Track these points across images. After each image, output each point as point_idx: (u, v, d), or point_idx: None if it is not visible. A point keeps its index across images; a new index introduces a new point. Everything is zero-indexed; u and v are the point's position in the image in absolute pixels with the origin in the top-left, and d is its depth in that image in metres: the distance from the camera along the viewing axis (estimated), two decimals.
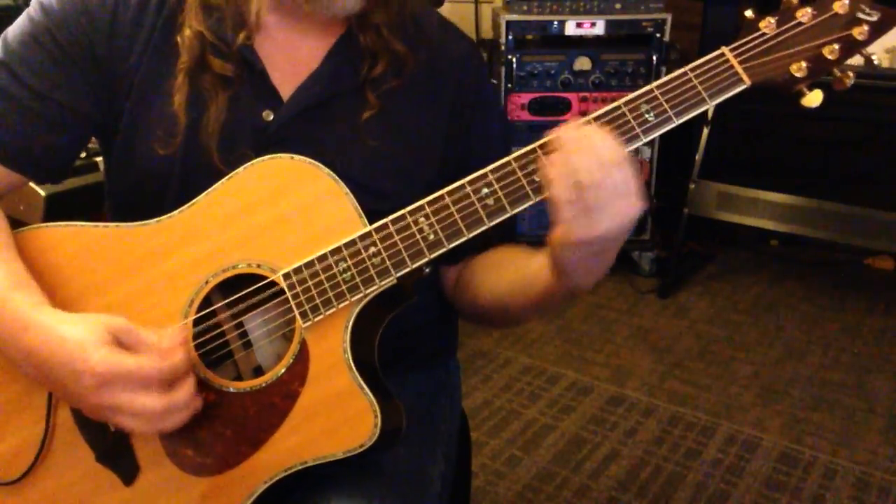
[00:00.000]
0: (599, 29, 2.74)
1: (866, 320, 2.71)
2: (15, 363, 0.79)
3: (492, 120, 1.04)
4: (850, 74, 0.78)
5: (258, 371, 0.86)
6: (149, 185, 0.91)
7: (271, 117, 0.90)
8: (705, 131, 2.75)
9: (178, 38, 0.89)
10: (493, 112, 1.05)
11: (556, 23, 2.74)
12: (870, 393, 2.29)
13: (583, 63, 2.78)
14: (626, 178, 0.71)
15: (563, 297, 0.83)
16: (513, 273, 0.91)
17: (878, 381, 2.35)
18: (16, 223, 0.90)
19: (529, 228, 2.64)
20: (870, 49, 0.78)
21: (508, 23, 2.74)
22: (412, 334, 1.02)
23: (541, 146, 0.77)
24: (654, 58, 2.75)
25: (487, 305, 0.96)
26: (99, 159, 1.54)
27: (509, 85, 2.78)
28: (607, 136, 0.73)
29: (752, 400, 2.26)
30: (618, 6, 2.75)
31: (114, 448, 0.82)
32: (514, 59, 2.77)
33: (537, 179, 0.77)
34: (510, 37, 2.76)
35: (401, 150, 0.94)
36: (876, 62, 0.78)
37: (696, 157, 2.81)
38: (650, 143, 2.85)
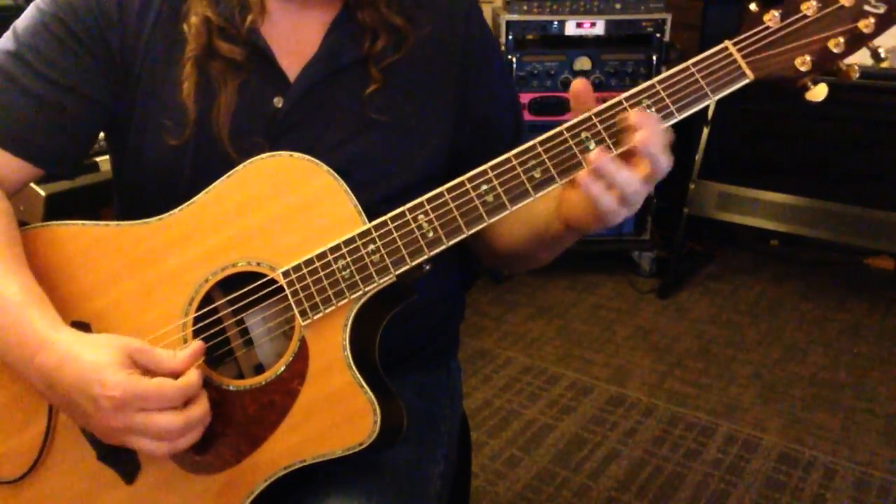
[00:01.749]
0: (599, 29, 2.74)
1: (866, 320, 2.71)
2: (27, 381, 0.78)
3: (498, 76, 1.04)
4: (856, 67, 0.76)
5: (259, 369, 0.86)
6: (160, 176, 0.91)
7: (281, 104, 0.90)
8: (705, 131, 2.76)
9: (185, 26, 0.89)
10: (498, 67, 1.05)
11: (556, 23, 2.74)
12: (870, 393, 2.29)
13: (583, 63, 2.78)
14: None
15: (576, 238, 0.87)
16: (522, 222, 0.92)
17: (878, 381, 2.35)
18: None
19: None
20: (876, 42, 0.77)
21: (508, 23, 2.75)
22: (414, 335, 1.02)
23: (541, 142, 0.77)
24: (654, 58, 2.75)
25: (504, 251, 0.99)
26: (99, 159, 1.54)
27: None
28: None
29: (752, 400, 2.26)
30: (618, 6, 2.75)
31: (115, 447, 0.82)
32: (514, 59, 2.77)
33: (537, 176, 0.77)
34: (510, 37, 2.76)
35: (409, 122, 0.94)
36: (882, 54, 0.77)
37: (696, 157, 2.81)
38: None
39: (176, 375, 0.75)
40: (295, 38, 0.93)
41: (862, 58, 0.79)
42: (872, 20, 0.75)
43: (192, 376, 0.75)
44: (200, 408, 0.76)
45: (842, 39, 0.75)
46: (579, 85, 0.77)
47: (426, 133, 0.95)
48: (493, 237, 0.98)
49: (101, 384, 0.71)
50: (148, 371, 0.75)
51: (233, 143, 0.88)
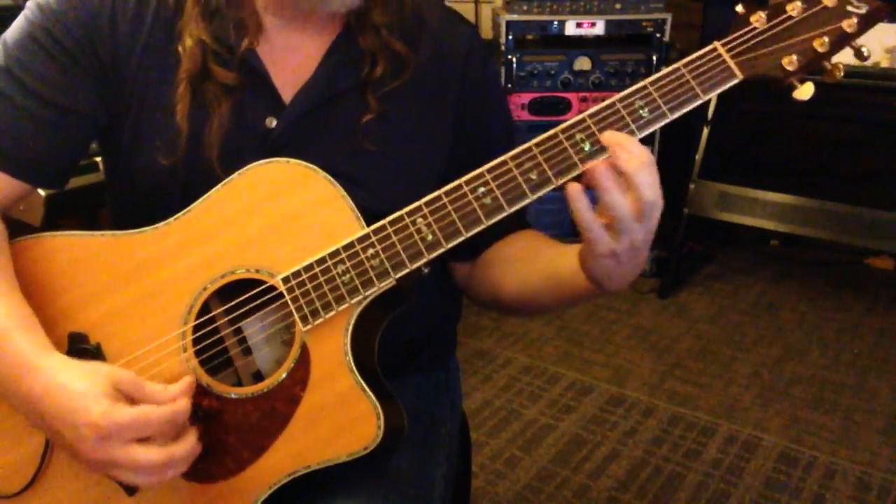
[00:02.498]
0: (599, 29, 2.74)
1: (866, 320, 2.71)
2: (14, 408, 0.77)
3: (495, 113, 1.03)
4: (841, 67, 0.78)
5: (258, 376, 0.86)
6: (151, 194, 0.90)
7: (274, 124, 0.89)
8: (705, 131, 2.76)
9: (179, 47, 0.87)
10: (496, 106, 1.04)
11: (556, 23, 2.74)
12: (870, 393, 2.29)
13: (583, 63, 2.78)
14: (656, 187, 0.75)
15: (595, 295, 0.85)
16: (539, 272, 0.91)
17: (878, 381, 2.35)
18: (16, 223, 0.89)
19: None
20: (860, 41, 0.79)
21: (508, 23, 2.74)
22: (413, 336, 1.02)
23: (536, 144, 0.77)
24: (654, 58, 2.75)
25: (511, 300, 0.96)
26: (99, 159, 1.54)
27: (509, 85, 2.78)
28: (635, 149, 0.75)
29: (752, 400, 2.26)
30: (618, 6, 2.75)
31: None
32: (514, 59, 2.77)
33: (534, 178, 0.77)
34: (510, 37, 2.76)
35: (402, 153, 0.93)
36: (866, 53, 0.79)
37: (696, 157, 2.81)
38: (650, 144, 2.85)
39: None
40: (292, 59, 0.91)
41: (856, 59, 0.80)
42: (855, 20, 0.77)
43: (180, 404, 0.74)
44: (185, 445, 0.75)
45: (826, 39, 0.77)
46: None
47: (420, 163, 0.95)
48: (503, 281, 0.96)
49: (83, 413, 0.69)
50: (135, 403, 0.73)
51: (222, 164, 0.86)
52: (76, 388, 0.71)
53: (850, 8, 0.77)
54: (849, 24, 0.77)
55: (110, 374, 0.73)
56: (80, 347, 0.82)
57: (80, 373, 0.73)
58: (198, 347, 0.83)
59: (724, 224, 2.98)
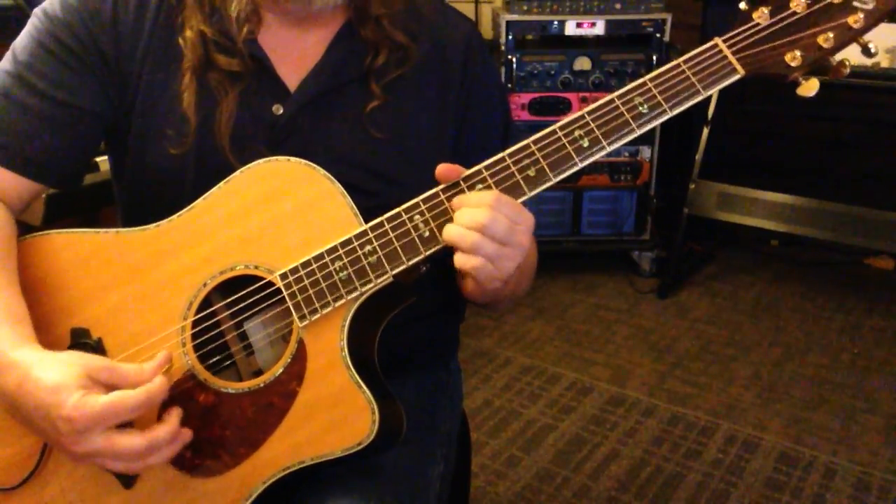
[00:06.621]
0: (599, 29, 2.74)
1: (866, 320, 2.71)
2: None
3: (492, 107, 1.04)
4: (847, 62, 0.77)
5: (258, 374, 0.85)
6: (163, 185, 0.91)
7: (281, 111, 0.91)
8: (705, 131, 2.75)
9: (180, 40, 0.89)
10: (494, 98, 1.05)
11: (556, 23, 2.74)
12: (870, 393, 2.29)
13: (583, 63, 2.78)
14: (514, 220, 0.77)
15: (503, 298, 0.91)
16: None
17: (878, 381, 2.35)
18: (16, 223, 0.90)
19: None
20: (867, 37, 0.77)
21: (508, 23, 2.75)
22: (415, 337, 1.02)
23: (534, 141, 0.78)
24: (655, 58, 2.75)
25: (469, 296, 0.98)
26: (99, 159, 1.54)
27: (509, 85, 2.79)
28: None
29: (752, 400, 2.26)
30: (618, 6, 2.75)
31: None
32: (514, 59, 2.77)
33: (532, 174, 0.78)
34: (510, 37, 2.76)
35: (408, 140, 0.94)
36: (873, 50, 0.77)
37: (696, 157, 2.81)
38: (650, 143, 2.85)
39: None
40: (294, 50, 0.93)
41: (861, 59, 0.79)
42: (861, 15, 0.75)
43: (155, 383, 0.73)
44: (166, 428, 0.74)
45: (831, 35, 0.76)
46: (442, 169, 0.79)
47: (425, 150, 0.95)
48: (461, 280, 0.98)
49: (58, 407, 0.69)
50: (114, 389, 0.72)
51: (234, 151, 0.88)
52: (49, 382, 0.70)
53: (856, 3, 0.76)
54: (854, 20, 0.76)
55: (83, 363, 0.72)
56: (82, 342, 0.83)
57: (54, 366, 0.72)
58: (197, 342, 0.83)
59: (724, 224, 2.99)
